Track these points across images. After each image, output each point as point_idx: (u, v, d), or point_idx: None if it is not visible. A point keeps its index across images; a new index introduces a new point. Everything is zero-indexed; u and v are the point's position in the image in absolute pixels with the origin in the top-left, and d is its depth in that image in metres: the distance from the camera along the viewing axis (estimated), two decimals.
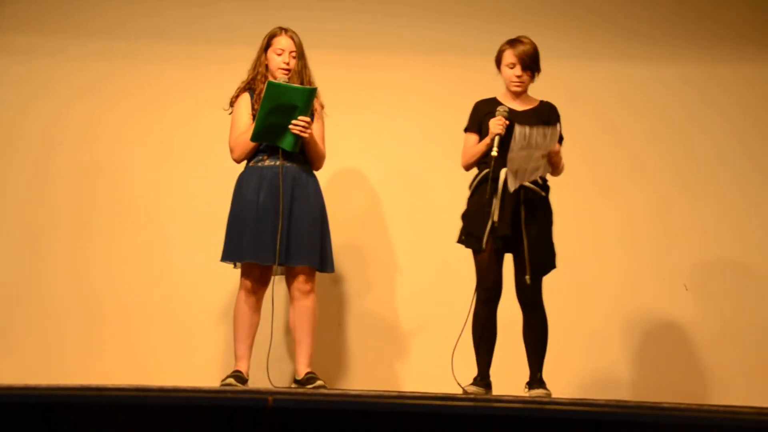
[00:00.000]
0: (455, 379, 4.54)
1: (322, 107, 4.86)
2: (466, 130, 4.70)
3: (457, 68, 5.78)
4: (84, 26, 5.81)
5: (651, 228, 5.77)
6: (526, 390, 4.51)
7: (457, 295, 4.83)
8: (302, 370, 4.67)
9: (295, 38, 4.76)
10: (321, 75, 4.88)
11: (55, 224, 5.66)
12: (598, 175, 5.79)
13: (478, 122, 4.65)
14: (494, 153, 4.49)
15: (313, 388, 4.56)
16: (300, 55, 4.76)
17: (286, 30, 4.78)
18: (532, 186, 4.53)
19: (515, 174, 4.46)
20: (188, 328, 5.56)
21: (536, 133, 4.39)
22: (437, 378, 4.85)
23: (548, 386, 4.52)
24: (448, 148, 5.17)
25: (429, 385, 4.85)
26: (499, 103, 4.62)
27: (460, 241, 4.63)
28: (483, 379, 4.56)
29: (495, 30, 5.49)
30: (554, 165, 4.56)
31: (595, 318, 5.67)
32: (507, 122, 4.51)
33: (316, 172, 4.81)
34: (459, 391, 4.51)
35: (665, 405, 3.60)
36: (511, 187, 4.46)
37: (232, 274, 4.84)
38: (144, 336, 5.57)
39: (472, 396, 4.30)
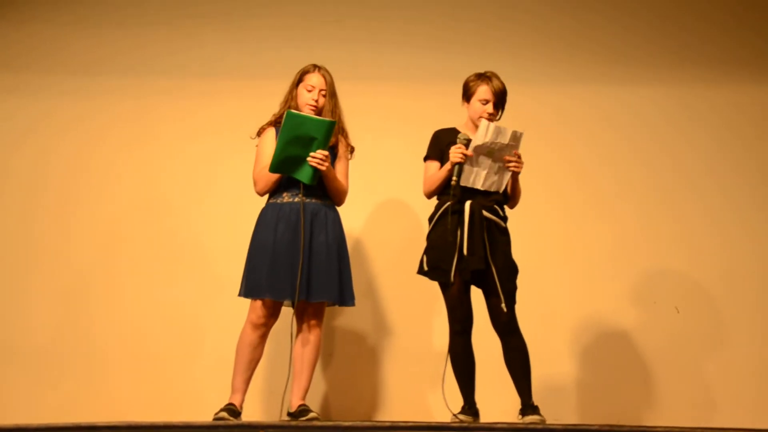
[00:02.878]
0: (447, 407, 4.54)
1: (351, 148, 4.86)
2: (427, 158, 4.71)
3: (436, 94, 5.74)
4: (68, 63, 5.83)
5: (641, 246, 5.78)
6: (520, 417, 4.50)
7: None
8: (296, 403, 4.67)
9: (327, 77, 4.78)
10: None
11: (42, 260, 5.65)
12: (588, 195, 5.81)
13: (439, 150, 4.66)
14: (453, 182, 4.51)
15: (306, 420, 4.55)
16: (331, 94, 4.77)
17: (319, 68, 4.80)
18: (493, 217, 4.54)
19: (473, 173, 4.50)
20: (196, 364, 5.57)
21: (501, 130, 4.43)
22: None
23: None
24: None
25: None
26: (459, 133, 4.62)
27: (422, 272, 4.63)
28: (470, 407, 4.57)
29: (495, 57, 5.56)
30: (515, 180, 4.56)
31: (582, 335, 5.66)
32: (467, 150, 4.51)
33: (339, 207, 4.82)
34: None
35: (659, 429, 3.61)
36: (462, 182, 4.50)
37: (235, 308, 4.86)
38: (153, 372, 5.55)
39: (464, 424, 4.29)
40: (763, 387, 5.62)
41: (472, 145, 4.49)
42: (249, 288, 4.67)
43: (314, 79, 4.76)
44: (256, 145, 4.80)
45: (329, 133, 4.59)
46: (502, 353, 4.55)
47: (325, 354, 5.52)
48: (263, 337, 4.70)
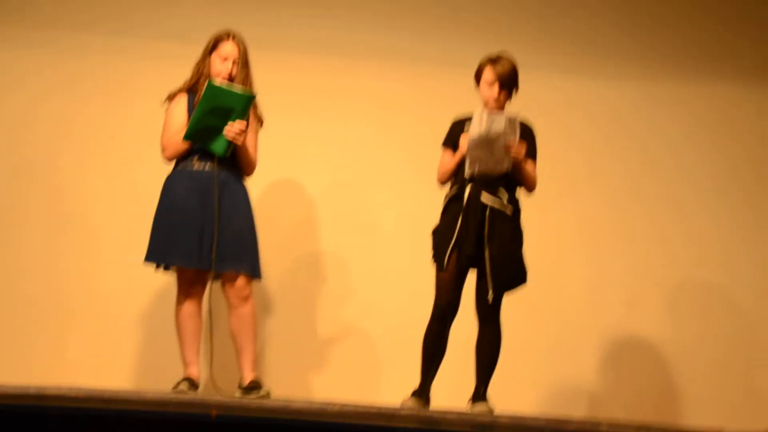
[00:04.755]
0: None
1: (261, 118, 4.82)
2: (443, 145, 4.74)
3: (407, 75, 5.84)
4: (24, 19, 5.75)
5: (614, 242, 5.88)
6: (470, 403, 4.56)
7: (388, 305, 5.22)
8: (247, 377, 4.67)
9: (241, 46, 4.71)
10: (269, 79, 4.91)
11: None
12: (561, 188, 5.85)
13: (453, 140, 4.68)
14: (467, 174, 4.55)
15: (258, 397, 4.56)
16: (244, 63, 4.71)
17: (233, 36, 4.72)
18: (495, 204, 4.58)
19: (475, 161, 4.51)
20: (111, 329, 5.59)
21: (496, 118, 4.45)
22: (354, 387, 5.23)
23: (507, 400, 4.64)
24: (391, 156, 5.51)
25: (344, 392, 5.06)
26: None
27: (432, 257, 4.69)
28: (422, 393, 4.61)
29: (447, 38, 5.59)
30: (517, 164, 4.58)
31: (558, 331, 5.78)
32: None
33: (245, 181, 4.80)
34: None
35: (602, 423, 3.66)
36: (467, 173, 4.54)
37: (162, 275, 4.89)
38: (67, 336, 5.57)
39: (412, 411, 4.33)
40: None
41: (469, 137, 4.50)
42: (155, 254, 4.63)
43: (228, 48, 4.69)
44: (166, 110, 4.74)
45: (248, 106, 4.58)
46: (476, 339, 4.62)
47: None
48: (197, 306, 4.70)
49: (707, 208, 5.94)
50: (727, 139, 6.01)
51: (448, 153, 4.69)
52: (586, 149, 5.93)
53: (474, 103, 4.71)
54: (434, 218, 4.73)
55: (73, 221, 5.66)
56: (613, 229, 5.89)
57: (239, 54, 4.69)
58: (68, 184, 5.68)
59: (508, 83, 4.61)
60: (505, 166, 4.56)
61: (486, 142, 4.48)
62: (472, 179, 4.56)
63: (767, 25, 6.07)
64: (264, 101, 4.81)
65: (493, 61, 4.62)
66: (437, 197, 4.79)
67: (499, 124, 4.47)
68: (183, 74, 4.82)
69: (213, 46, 4.73)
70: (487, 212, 4.56)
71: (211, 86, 4.53)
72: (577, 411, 5.60)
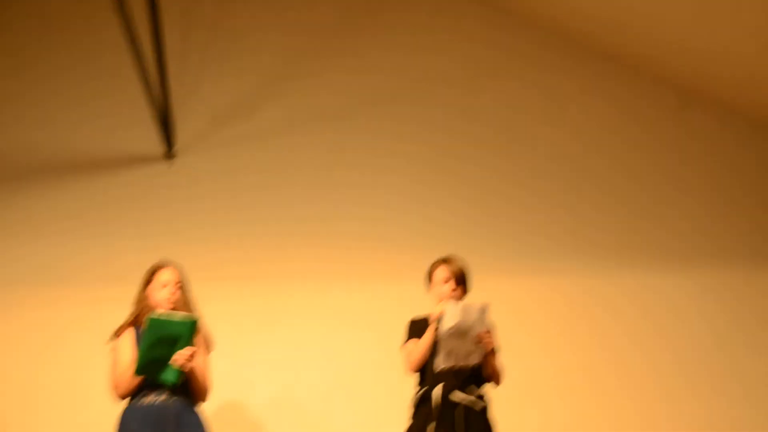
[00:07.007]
0: None
1: (208, 342, 4.80)
2: (407, 341, 4.70)
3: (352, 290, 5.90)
4: None
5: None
6: None
7: None
8: None
9: (177, 271, 4.76)
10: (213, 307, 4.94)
11: None
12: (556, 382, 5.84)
13: (415, 335, 4.66)
14: (441, 369, 4.51)
15: None
16: (183, 287, 4.75)
17: (167, 264, 4.78)
18: (466, 403, 4.52)
19: (448, 354, 4.48)
20: None
21: (468, 308, 4.46)
22: None
23: None
24: (347, 366, 5.56)
25: None
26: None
27: None
28: None
29: (397, 251, 5.75)
30: (487, 353, 4.55)
31: None
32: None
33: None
34: None
35: None
36: (438, 367, 4.50)
37: None
38: None
39: None
40: None
41: (443, 329, 4.47)
42: None
43: (166, 275, 4.73)
44: (111, 348, 4.70)
45: (193, 331, 4.56)
46: None
47: None
48: None
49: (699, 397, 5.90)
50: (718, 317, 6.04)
51: (413, 342, 4.66)
52: (579, 343, 5.94)
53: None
54: (397, 422, 4.71)
55: None
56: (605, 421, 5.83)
57: (179, 277, 4.74)
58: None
59: (462, 280, 4.70)
60: (476, 359, 4.53)
61: (460, 333, 4.47)
62: (440, 378, 4.52)
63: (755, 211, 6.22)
64: (213, 328, 4.86)
65: (445, 260, 4.73)
66: (397, 402, 4.80)
67: (472, 314, 4.48)
68: (123, 315, 4.80)
69: (150, 278, 4.76)
70: (458, 410, 4.50)
71: (152, 320, 4.52)
72: None
